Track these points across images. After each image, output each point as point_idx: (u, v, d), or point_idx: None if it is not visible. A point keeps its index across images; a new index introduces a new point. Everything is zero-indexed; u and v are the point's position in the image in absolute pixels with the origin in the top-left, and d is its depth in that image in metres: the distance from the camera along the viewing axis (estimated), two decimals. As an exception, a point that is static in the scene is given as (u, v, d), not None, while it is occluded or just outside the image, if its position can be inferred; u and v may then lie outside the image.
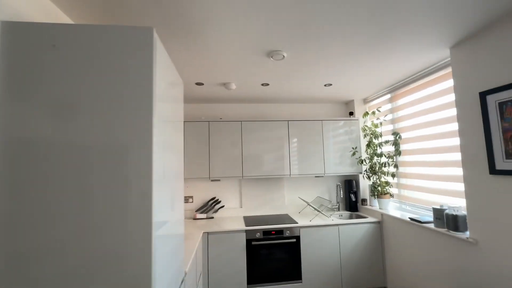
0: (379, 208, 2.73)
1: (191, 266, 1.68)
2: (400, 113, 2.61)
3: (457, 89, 1.75)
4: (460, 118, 1.73)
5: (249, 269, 2.44)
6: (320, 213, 2.92)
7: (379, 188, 2.73)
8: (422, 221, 2.07)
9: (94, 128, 0.88)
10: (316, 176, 3.20)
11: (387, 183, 2.69)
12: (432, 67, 2.09)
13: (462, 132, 1.72)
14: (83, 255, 0.85)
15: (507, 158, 1.44)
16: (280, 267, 2.47)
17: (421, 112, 2.29)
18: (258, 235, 2.48)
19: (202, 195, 3.04)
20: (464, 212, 1.77)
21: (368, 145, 2.89)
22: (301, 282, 2.48)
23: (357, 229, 2.59)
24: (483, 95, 1.56)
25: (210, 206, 2.98)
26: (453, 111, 1.94)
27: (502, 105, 1.46)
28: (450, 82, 1.94)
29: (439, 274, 1.92)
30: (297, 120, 2.95)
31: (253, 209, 3.06)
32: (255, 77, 2.28)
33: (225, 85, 2.42)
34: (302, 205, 3.13)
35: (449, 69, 1.92)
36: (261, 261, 2.46)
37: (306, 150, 2.91)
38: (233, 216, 2.99)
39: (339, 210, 3.11)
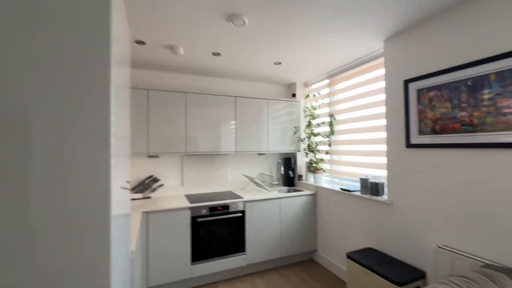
0: (314, 182, 3.04)
1: (136, 245, 1.50)
2: (337, 97, 2.91)
3: (387, 77, 2.06)
4: (387, 102, 2.05)
5: (194, 246, 2.36)
6: (263, 189, 3.04)
7: (315, 164, 3.03)
8: (350, 190, 2.42)
9: (39, 94, 0.63)
10: (259, 154, 3.29)
11: (321, 159, 3.01)
12: (367, 57, 2.39)
13: (388, 114, 2.05)
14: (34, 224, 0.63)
15: (419, 134, 1.80)
16: (225, 242, 2.48)
17: (355, 97, 2.61)
18: (204, 211, 2.40)
19: (137, 172, 2.71)
20: (383, 180, 2.15)
21: (307, 126, 3.13)
22: (245, 254, 2.56)
23: (295, 202, 2.82)
24: (406, 83, 1.89)
25: (147, 185, 2.69)
26: (381, 96, 2.28)
27: (419, 91, 1.80)
28: (381, 71, 2.27)
29: (362, 231, 2.31)
30: (244, 97, 2.92)
31: (195, 187, 2.93)
32: (208, 43, 2.11)
33: (172, 48, 2.15)
34: (245, 182, 3.18)
35: (382, 59, 2.23)
36: (206, 237, 2.41)
37: (251, 128, 2.94)
38: (174, 195, 2.80)
39: (278, 185, 3.31)
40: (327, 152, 2.96)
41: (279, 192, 3.10)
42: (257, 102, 2.98)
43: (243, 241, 2.56)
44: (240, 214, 2.54)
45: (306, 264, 2.86)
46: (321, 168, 3.01)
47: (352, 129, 2.64)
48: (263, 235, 2.65)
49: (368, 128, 2.43)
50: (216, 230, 2.45)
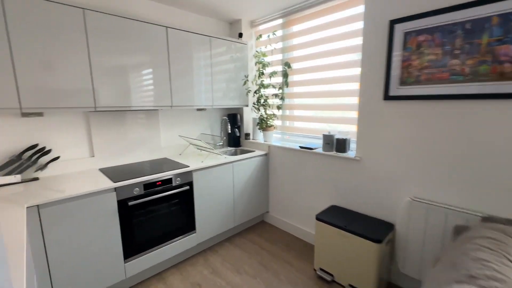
0: (264, 141, 2.72)
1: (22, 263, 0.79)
2: (292, 41, 2.49)
3: (366, 16, 1.75)
4: (364, 47, 1.79)
5: (126, 239, 1.70)
6: (208, 152, 2.50)
7: (266, 120, 2.66)
8: (312, 148, 2.22)
9: None
10: (198, 110, 2.64)
11: (273, 115, 2.67)
12: (338, -10, 2.00)
13: (364, 62, 1.80)
14: None
15: (400, 84, 1.65)
16: (169, 223, 1.92)
17: (316, 42, 2.25)
18: (137, 190, 1.71)
19: (3, 141, 1.64)
20: (349, 136, 2.02)
21: (259, 75, 2.64)
22: (195, 233, 2.10)
23: (248, 164, 2.45)
24: (392, 24, 1.64)
25: (28, 160, 1.69)
26: (351, 42, 2.00)
27: (407, 35, 1.59)
28: (356, 10, 1.95)
29: (322, 190, 2.21)
30: (180, 29, 2.10)
31: (114, 158, 2.09)
32: None
33: None
34: (183, 146, 2.54)
35: (359, -6, 1.89)
36: (143, 224, 1.78)
37: (189, 77, 2.21)
38: (80, 171, 1.91)
39: (223, 146, 2.83)
40: (279, 107, 2.62)
41: (225, 154, 2.64)
42: (196, 40, 2.22)
43: (193, 218, 2.07)
44: (187, 187, 1.97)
45: (258, 227, 2.67)
46: (272, 125, 2.69)
47: (312, 80, 2.34)
48: (215, 207, 2.22)
49: (331, 79, 2.18)
50: (156, 212, 1.84)
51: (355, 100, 2.04)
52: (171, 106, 2.11)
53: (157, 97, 2.02)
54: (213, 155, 2.39)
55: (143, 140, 2.26)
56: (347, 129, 2.10)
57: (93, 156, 1.99)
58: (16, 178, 1.62)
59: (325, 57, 2.20)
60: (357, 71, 1.97)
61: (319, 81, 2.28)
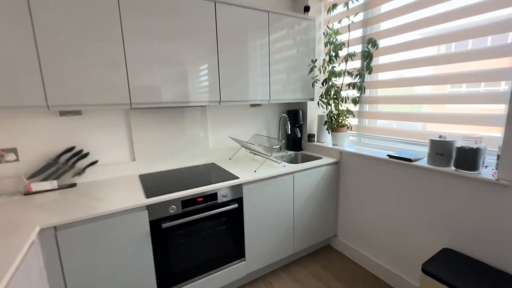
0: (333, 145, 2.11)
1: None
2: (381, 7, 1.80)
3: None
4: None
5: (161, 268, 1.37)
6: (264, 157, 2.04)
7: (337, 118, 2.05)
8: (410, 158, 1.52)
9: None
10: (252, 105, 2.19)
11: (348, 111, 2.03)
12: None
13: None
14: None
15: None
16: (213, 250, 1.54)
17: (415, 5, 1.53)
18: (173, 209, 1.36)
19: (40, 144, 1.49)
20: (484, 145, 1.26)
21: (329, 60, 2.03)
22: (245, 261, 1.67)
23: (313, 174, 1.90)
24: None
25: (65, 164, 1.51)
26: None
27: None
28: None
29: (428, 222, 1.50)
30: (230, 3, 1.66)
31: (155, 162, 1.82)
32: None
33: None
34: (234, 148, 2.14)
35: None
36: (181, 249, 1.43)
37: (242, 65, 1.77)
38: (119, 178, 1.67)
39: (281, 150, 2.33)
40: (355, 101, 1.97)
41: (282, 160, 2.13)
42: (251, 18, 1.75)
43: (242, 243, 1.64)
44: (235, 205, 1.55)
45: (322, 255, 2.10)
46: (345, 125, 2.05)
47: (410, 62, 1.62)
48: (270, 229, 1.75)
49: (445, 57, 1.43)
50: (198, 235, 1.47)
51: (495, 87, 1.27)
52: (219, 102, 1.71)
53: (204, 90, 1.64)
54: (269, 162, 1.91)
55: (189, 142, 1.93)
56: (476, 134, 1.34)
57: (134, 160, 1.75)
58: (52, 184, 1.45)
59: (435, 23, 1.46)
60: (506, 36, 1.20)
61: (425, 61, 1.55)
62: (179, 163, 1.90)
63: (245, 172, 1.70)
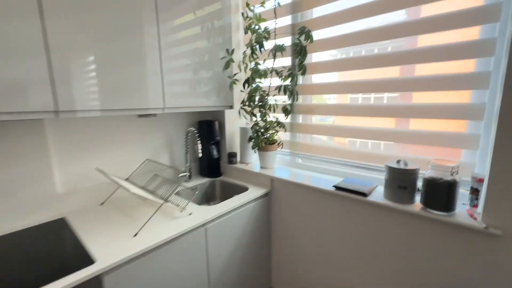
0: (261, 167, 1.58)
1: None
2: (314, -11, 1.36)
3: None
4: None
5: None
6: (156, 200, 1.30)
7: (264, 132, 1.52)
8: (365, 192, 1.11)
9: None
10: (140, 116, 1.42)
11: (278, 123, 1.52)
12: None
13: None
14: None
15: None
16: None
17: (367, -18, 1.14)
18: None
19: None
20: (459, 176, 0.93)
21: (252, 53, 1.47)
22: None
23: (236, 217, 1.30)
24: None
25: None
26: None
27: None
28: None
29: (389, 273, 1.11)
30: None
31: None
32: None
33: None
34: (108, 186, 1.32)
35: None
36: None
37: (123, 57, 1.02)
38: None
39: (191, 178, 1.64)
40: (286, 110, 1.49)
41: (193, 196, 1.48)
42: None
43: None
44: (86, 320, 0.78)
45: (255, 320, 1.53)
46: (275, 141, 1.55)
47: (355, 60, 1.23)
48: (168, 326, 1.04)
49: (404, 54, 1.07)
50: None
51: (468, 97, 0.97)
52: (55, 112, 0.90)
53: (40, 94, 0.80)
54: (169, 208, 1.20)
55: (13, 182, 1.02)
56: (449, 160, 1.01)
57: None
58: None
59: (391, 9, 1.09)
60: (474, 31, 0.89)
61: (373, 60, 1.17)
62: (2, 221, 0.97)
63: (117, 237, 0.95)
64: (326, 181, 1.30)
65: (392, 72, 1.15)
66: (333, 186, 1.20)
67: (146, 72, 1.13)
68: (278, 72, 1.46)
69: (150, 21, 1.12)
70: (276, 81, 1.50)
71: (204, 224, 1.12)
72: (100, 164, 1.29)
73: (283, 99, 1.55)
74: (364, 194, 1.11)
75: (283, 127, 1.52)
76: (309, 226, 1.35)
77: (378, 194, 1.12)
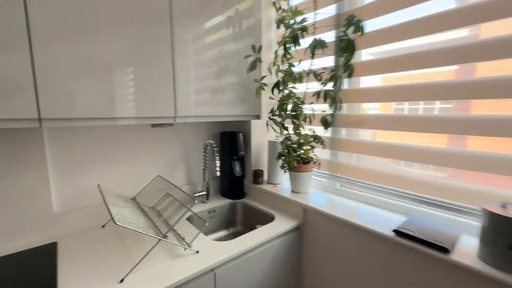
0: (292, 191, 1.28)
1: None
2: (367, -32, 1.07)
3: None
4: None
5: None
6: (155, 237, 1.09)
7: (297, 148, 1.23)
8: (445, 246, 0.74)
9: None
10: (154, 126, 1.24)
11: (316, 138, 1.22)
12: None
13: None
14: None
15: None
16: None
17: None
18: None
19: None
20: None
21: (286, 53, 1.21)
22: None
23: (256, 258, 1.01)
24: None
25: None
26: None
27: None
28: None
29: None
30: None
31: None
32: None
33: None
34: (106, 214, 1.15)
35: None
36: None
37: (134, 58, 0.85)
38: None
39: (208, 198, 1.41)
40: (326, 122, 1.18)
41: (203, 229, 1.23)
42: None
43: None
44: None
45: None
46: (310, 159, 1.24)
47: (422, 56, 0.88)
48: None
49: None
50: None
51: None
52: (38, 120, 0.74)
53: (24, 102, 0.66)
54: (170, 244, 0.97)
55: (5, 199, 0.89)
56: None
57: None
58: None
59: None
60: None
61: (447, 55, 0.81)
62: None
63: (99, 282, 0.73)
64: (379, 218, 0.96)
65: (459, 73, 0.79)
66: (393, 230, 0.85)
67: (165, 76, 0.93)
68: (317, 75, 1.17)
69: (167, 27, 0.93)
70: (314, 86, 1.21)
71: (213, 269, 0.86)
72: (105, 180, 1.12)
73: (322, 108, 1.25)
74: (445, 249, 0.74)
75: (321, 143, 1.21)
76: (354, 278, 1.00)
77: (467, 250, 0.74)
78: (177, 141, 1.34)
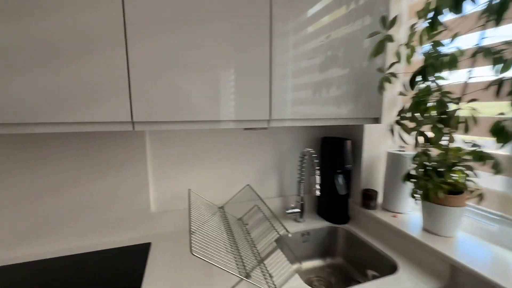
0: (423, 229, 0.86)
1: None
2: None
3: None
4: None
5: None
6: (237, 275, 0.93)
7: (445, 171, 0.81)
8: None
9: None
10: (246, 129, 1.10)
11: (481, 157, 0.77)
12: None
13: None
14: None
15: None
16: None
17: None
18: None
19: None
20: None
21: (432, 26, 0.82)
22: None
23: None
24: None
25: None
26: None
27: None
28: None
29: None
30: None
31: (23, 238, 0.90)
32: None
33: None
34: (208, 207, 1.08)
35: None
36: None
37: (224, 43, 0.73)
38: None
39: (302, 216, 1.17)
40: (502, 131, 0.70)
41: (300, 267, 0.99)
42: None
43: None
44: None
45: None
46: (466, 189, 0.79)
47: None
48: None
49: None
50: None
51: None
52: (132, 123, 0.70)
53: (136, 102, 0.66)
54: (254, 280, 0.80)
55: (106, 197, 0.96)
56: None
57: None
58: None
59: None
60: None
61: None
62: (77, 241, 0.94)
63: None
64: None
65: None
66: None
67: (259, 70, 0.77)
68: (490, 54, 0.72)
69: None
70: (480, 73, 0.76)
71: (307, 334, 0.62)
72: (196, 183, 1.07)
73: (493, 109, 0.78)
74: None
75: (496, 166, 0.74)
76: None
77: None
78: (271, 146, 1.17)
